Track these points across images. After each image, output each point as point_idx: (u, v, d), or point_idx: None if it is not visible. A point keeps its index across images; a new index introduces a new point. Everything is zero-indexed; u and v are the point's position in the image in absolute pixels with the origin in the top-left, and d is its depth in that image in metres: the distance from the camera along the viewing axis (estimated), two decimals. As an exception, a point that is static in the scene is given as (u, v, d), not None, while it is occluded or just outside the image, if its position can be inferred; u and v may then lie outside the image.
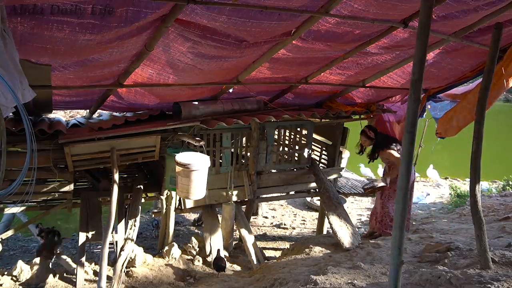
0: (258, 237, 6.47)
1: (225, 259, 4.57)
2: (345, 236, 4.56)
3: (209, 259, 4.71)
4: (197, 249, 4.89)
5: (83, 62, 3.00)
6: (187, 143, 4.54)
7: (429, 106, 5.84)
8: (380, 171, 9.80)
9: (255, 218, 7.50)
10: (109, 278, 3.85)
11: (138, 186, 4.81)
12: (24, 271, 4.03)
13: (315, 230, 6.77)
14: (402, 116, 5.79)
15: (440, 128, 5.37)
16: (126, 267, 4.10)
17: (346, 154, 6.60)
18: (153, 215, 6.68)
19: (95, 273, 4.23)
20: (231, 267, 4.75)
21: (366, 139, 5.06)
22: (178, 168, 3.90)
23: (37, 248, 4.59)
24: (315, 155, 6.22)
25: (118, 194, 3.99)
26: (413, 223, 6.74)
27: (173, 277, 4.32)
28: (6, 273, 4.07)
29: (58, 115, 4.69)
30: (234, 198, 5.04)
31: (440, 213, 7.77)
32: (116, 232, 4.38)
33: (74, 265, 4.19)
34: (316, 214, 7.52)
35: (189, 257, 4.80)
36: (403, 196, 2.10)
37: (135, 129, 4.13)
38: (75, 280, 3.92)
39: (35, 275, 4.04)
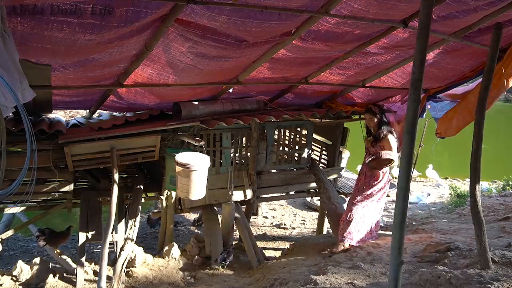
0: (258, 237, 6.47)
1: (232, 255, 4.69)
2: (345, 236, 4.56)
3: (209, 259, 4.72)
4: (197, 249, 4.89)
5: (83, 62, 3.00)
6: (187, 143, 4.54)
7: (429, 106, 5.84)
8: (395, 171, 9.77)
9: (255, 218, 7.51)
10: (109, 278, 3.85)
11: (138, 186, 4.81)
12: (24, 271, 4.03)
13: (315, 230, 6.77)
14: (402, 116, 5.78)
15: (440, 128, 5.36)
16: (126, 267, 4.10)
17: (346, 154, 6.60)
18: (153, 215, 6.67)
19: (95, 273, 4.23)
20: (231, 267, 4.75)
21: (372, 116, 4.50)
22: (178, 168, 3.90)
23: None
24: (315, 155, 6.22)
25: (118, 194, 3.99)
26: (413, 223, 6.75)
27: (173, 277, 4.32)
28: (6, 273, 4.08)
29: (58, 115, 4.69)
30: (234, 198, 5.04)
31: (440, 213, 7.77)
32: (116, 232, 4.38)
33: (74, 265, 4.19)
34: (316, 214, 7.52)
35: (189, 257, 4.80)
36: (403, 196, 2.10)
37: (135, 129, 4.13)
38: (75, 280, 3.92)
39: (35, 275, 4.03)
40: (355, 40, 3.57)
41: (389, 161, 4.32)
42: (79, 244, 4.04)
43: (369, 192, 4.39)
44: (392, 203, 8.37)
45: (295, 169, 5.63)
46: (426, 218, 7.19)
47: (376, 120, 4.47)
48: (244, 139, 5.35)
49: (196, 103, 4.44)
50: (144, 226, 6.89)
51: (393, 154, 4.33)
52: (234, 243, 5.28)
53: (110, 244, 3.89)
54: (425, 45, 2.00)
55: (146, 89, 3.94)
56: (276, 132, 5.51)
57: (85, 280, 4.01)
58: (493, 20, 3.30)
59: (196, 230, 6.90)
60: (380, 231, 5.18)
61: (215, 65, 3.52)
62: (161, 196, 4.88)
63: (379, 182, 4.40)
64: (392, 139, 4.38)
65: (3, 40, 1.90)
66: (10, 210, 4.47)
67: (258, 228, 7.11)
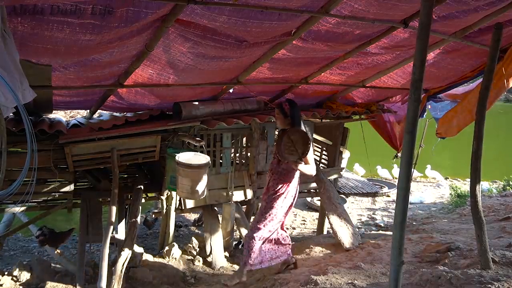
0: (259, 237, 6.46)
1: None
2: (345, 236, 4.56)
3: (209, 259, 4.71)
4: (198, 249, 4.89)
5: (83, 62, 3.00)
6: (187, 143, 4.54)
7: (429, 106, 5.85)
8: (396, 171, 9.81)
9: (256, 218, 7.50)
10: (109, 279, 3.85)
11: (138, 186, 4.81)
12: (24, 271, 4.02)
13: (315, 230, 6.76)
14: (402, 116, 5.79)
15: (441, 128, 5.37)
16: (126, 267, 4.10)
17: (346, 154, 6.60)
18: (152, 215, 6.65)
19: (95, 273, 4.22)
20: (231, 267, 4.75)
21: (279, 113, 3.67)
22: (178, 168, 3.90)
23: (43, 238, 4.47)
24: (315, 155, 6.21)
25: (118, 194, 3.99)
26: (414, 223, 6.75)
27: (173, 277, 4.32)
28: (6, 273, 4.07)
29: (58, 115, 4.69)
30: (235, 198, 5.04)
31: (440, 213, 7.77)
32: (116, 232, 4.38)
33: (74, 265, 4.18)
34: (316, 214, 7.51)
35: (190, 257, 4.80)
36: (403, 196, 2.10)
37: (135, 129, 4.13)
38: (75, 280, 3.92)
39: (36, 275, 4.03)
40: (356, 40, 3.57)
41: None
42: (79, 244, 4.04)
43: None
44: (393, 203, 8.37)
45: (295, 169, 5.62)
46: (426, 218, 7.19)
47: (283, 118, 3.65)
48: (244, 139, 5.34)
49: (197, 103, 4.44)
50: (144, 226, 6.89)
51: (310, 164, 3.59)
52: (234, 243, 5.28)
53: (110, 243, 3.89)
54: (426, 45, 2.01)
55: (146, 89, 3.94)
56: (277, 132, 5.51)
57: (85, 280, 4.01)
58: (493, 20, 3.30)
59: (197, 231, 6.89)
60: (380, 231, 5.18)
61: (215, 65, 3.52)
62: (161, 196, 4.88)
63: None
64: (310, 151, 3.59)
65: (4, 40, 1.90)
66: (11, 210, 4.46)
67: (259, 228, 7.10)
